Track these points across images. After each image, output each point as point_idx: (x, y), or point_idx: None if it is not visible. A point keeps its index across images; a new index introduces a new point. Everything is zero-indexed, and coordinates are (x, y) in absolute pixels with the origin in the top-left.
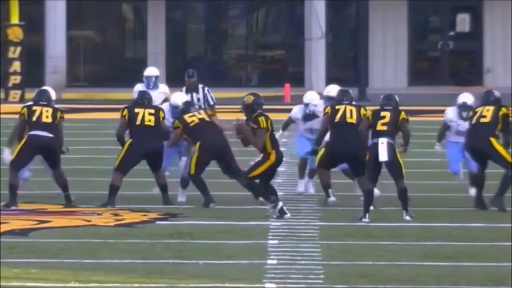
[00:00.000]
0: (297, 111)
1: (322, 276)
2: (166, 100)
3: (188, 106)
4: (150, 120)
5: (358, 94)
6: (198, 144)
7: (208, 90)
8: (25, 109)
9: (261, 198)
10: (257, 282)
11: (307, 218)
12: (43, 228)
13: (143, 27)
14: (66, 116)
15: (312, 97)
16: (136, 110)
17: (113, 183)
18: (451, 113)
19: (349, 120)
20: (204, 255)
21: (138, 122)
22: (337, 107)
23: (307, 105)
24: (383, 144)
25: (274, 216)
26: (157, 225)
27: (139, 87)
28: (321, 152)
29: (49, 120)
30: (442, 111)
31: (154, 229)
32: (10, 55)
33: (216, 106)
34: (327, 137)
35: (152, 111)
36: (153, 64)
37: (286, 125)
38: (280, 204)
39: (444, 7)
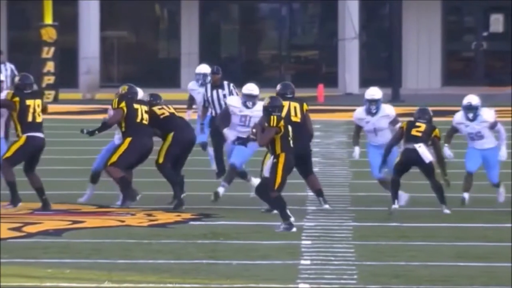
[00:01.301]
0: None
1: (355, 277)
2: None
3: (155, 99)
4: (146, 119)
5: (391, 94)
6: (171, 135)
7: (233, 86)
8: (17, 98)
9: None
10: (290, 282)
11: (341, 218)
12: (77, 229)
13: (176, 27)
14: (99, 116)
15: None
16: (135, 106)
17: (125, 178)
18: (458, 116)
19: (293, 118)
20: (237, 255)
21: (138, 120)
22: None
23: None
24: (421, 148)
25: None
26: (190, 225)
27: (191, 85)
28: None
29: (41, 119)
30: None
31: (187, 229)
32: (44, 55)
33: None
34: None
35: (146, 108)
36: (186, 65)
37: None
38: (294, 228)
39: (477, 7)
